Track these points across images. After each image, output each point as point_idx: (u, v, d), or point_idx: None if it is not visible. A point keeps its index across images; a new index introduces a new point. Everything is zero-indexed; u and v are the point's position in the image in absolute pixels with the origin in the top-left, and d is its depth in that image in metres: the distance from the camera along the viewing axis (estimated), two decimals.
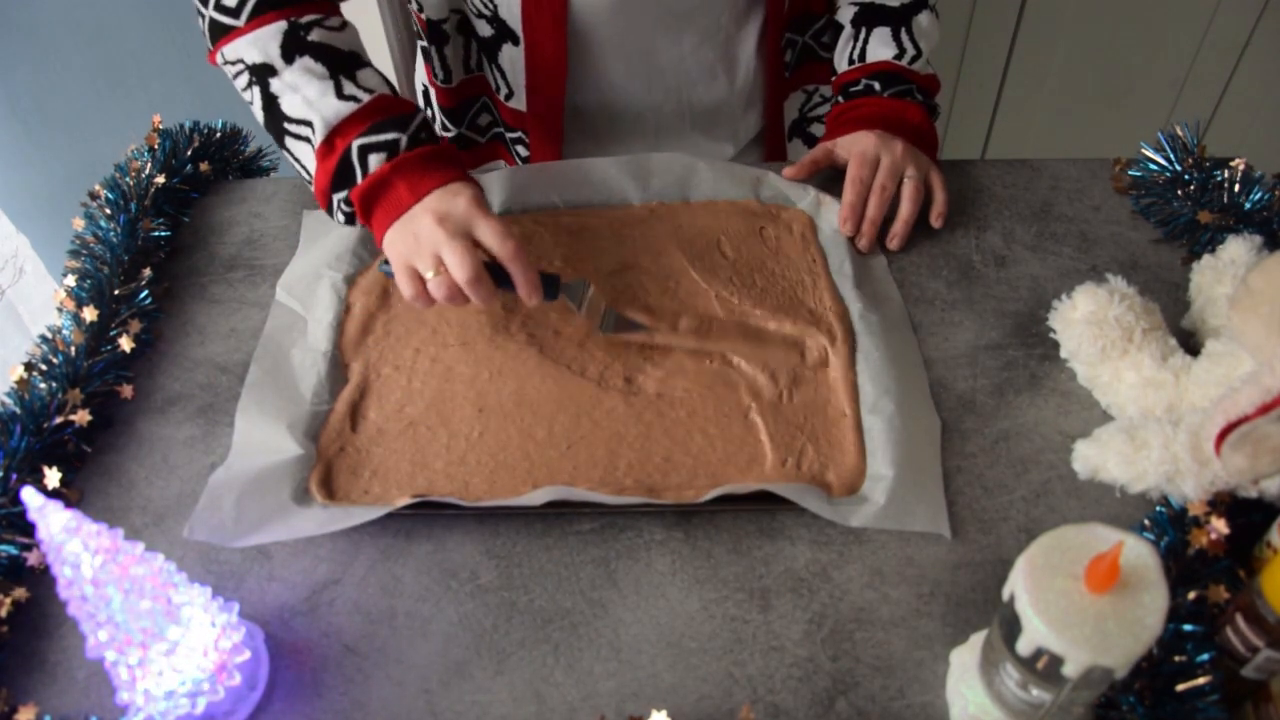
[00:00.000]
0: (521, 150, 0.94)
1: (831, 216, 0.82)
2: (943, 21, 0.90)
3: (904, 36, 0.86)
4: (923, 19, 0.87)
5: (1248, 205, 0.77)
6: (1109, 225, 0.83)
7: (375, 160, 0.68)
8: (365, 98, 0.70)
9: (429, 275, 0.66)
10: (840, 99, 0.88)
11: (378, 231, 0.70)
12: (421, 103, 1.00)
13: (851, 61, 0.88)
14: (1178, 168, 0.81)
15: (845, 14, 0.90)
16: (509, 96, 0.90)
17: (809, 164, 0.83)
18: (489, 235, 0.66)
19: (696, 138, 0.96)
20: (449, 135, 0.96)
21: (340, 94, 0.69)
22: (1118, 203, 0.85)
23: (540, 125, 0.91)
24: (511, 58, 0.86)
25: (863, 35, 0.88)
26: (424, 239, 0.66)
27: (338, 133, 0.69)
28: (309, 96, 0.69)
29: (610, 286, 0.76)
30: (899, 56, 0.86)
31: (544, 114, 0.90)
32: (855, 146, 0.82)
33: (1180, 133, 0.82)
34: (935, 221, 0.82)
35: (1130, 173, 0.84)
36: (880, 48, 0.87)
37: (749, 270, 0.78)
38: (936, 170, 0.83)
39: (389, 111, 0.70)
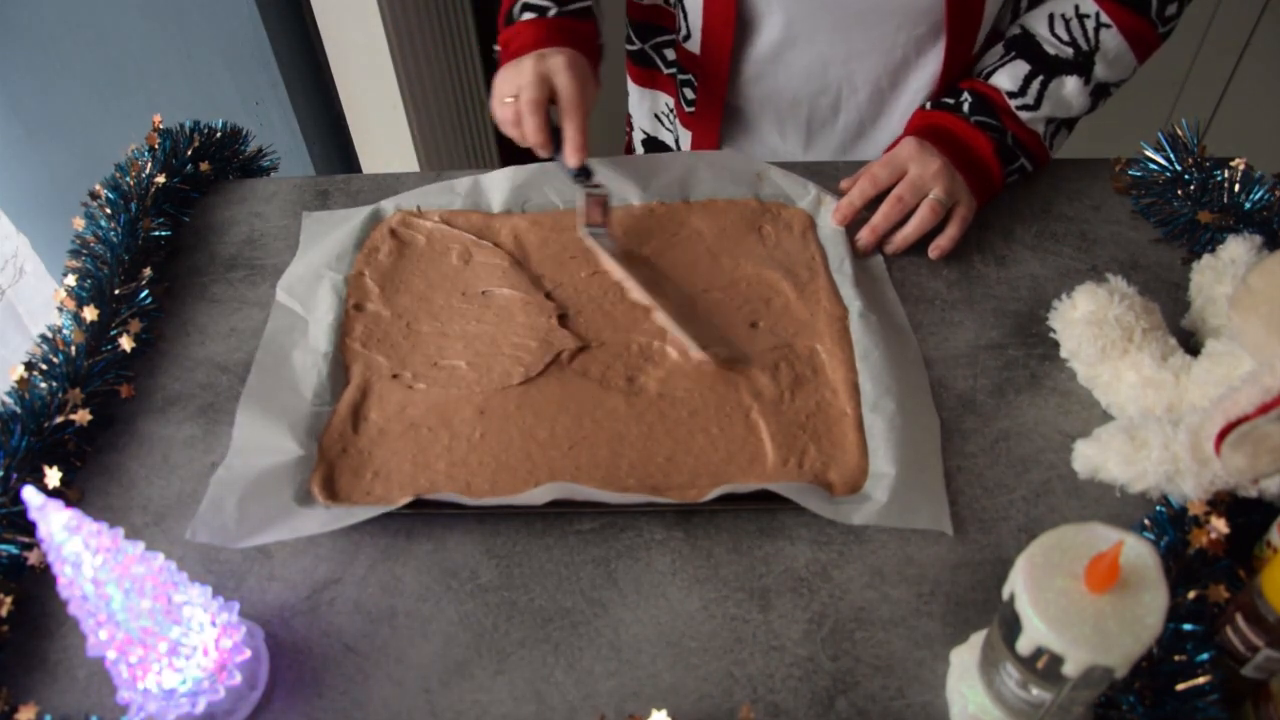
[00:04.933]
0: (689, 94, 0.94)
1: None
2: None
3: (1034, 84, 0.81)
4: (1069, 83, 0.81)
5: (1248, 205, 0.77)
6: (1109, 225, 0.83)
7: (526, 15, 0.83)
8: None
9: (507, 99, 0.78)
10: (928, 104, 0.85)
11: (500, 68, 0.82)
12: None
13: (979, 74, 0.84)
14: (1178, 168, 0.81)
15: (1010, 29, 0.84)
16: (686, 38, 0.90)
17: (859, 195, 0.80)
18: (563, 88, 0.76)
19: (849, 144, 0.94)
20: (633, 48, 0.98)
21: None
22: (1118, 203, 0.85)
23: (707, 76, 0.91)
24: (693, 2, 0.87)
25: (1003, 59, 0.82)
26: (520, 72, 0.78)
27: None
28: None
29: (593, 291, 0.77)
30: (1012, 95, 0.81)
31: (712, 66, 0.90)
32: (893, 149, 0.80)
33: (1180, 132, 0.82)
34: (932, 254, 0.79)
35: (1130, 172, 0.84)
36: (1004, 78, 0.82)
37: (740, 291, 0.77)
38: (967, 205, 0.80)
39: None
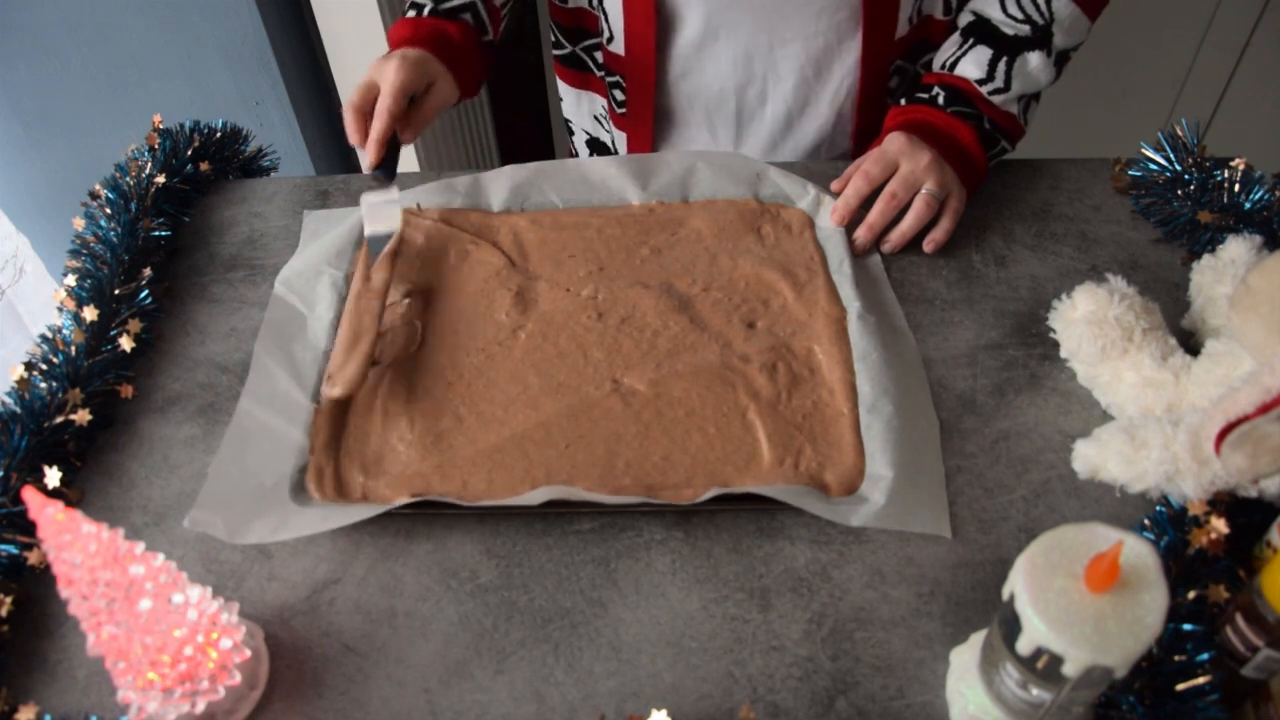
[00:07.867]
0: (619, 95, 0.95)
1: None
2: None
3: (1000, 66, 0.82)
4: (1033, 59, 0.82)
5: (1248, 205, 0.77)
6: (1109, 225, 0.83)
7: (410, 13, 0.86)
8: None
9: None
10: (902, 100, 0.85)
11: None
12: None
13: (942, 67, 0.85)
14: (1178, 167, 0.81)
15: (962, 18, 0.86)
16: (610, 40, 0.91)
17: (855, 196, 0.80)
18: (382, 88, 0.78)
19: (780, 135, 0.95)
20: (562, 52, 0.99)
21: None
22: (1118, 203, 0.85)
23: (634, 77, 0.92)
24: (613, 2, 0.88)
25: (963, 47, 0.84)
26: (368, 71, 0.80)
27: None
28: None
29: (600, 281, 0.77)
30: (981, 82, 0.82)
31: (638, 66, 0.91)
32: (881, 144, 0.81)
33: (1180, 133, 0.82)
34: (927, 247, 0.80)
35: (1130, 173, 0.84)
36: (970, 66, 0.83)
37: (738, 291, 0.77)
38: (958, 197, 0.80)
39: None
